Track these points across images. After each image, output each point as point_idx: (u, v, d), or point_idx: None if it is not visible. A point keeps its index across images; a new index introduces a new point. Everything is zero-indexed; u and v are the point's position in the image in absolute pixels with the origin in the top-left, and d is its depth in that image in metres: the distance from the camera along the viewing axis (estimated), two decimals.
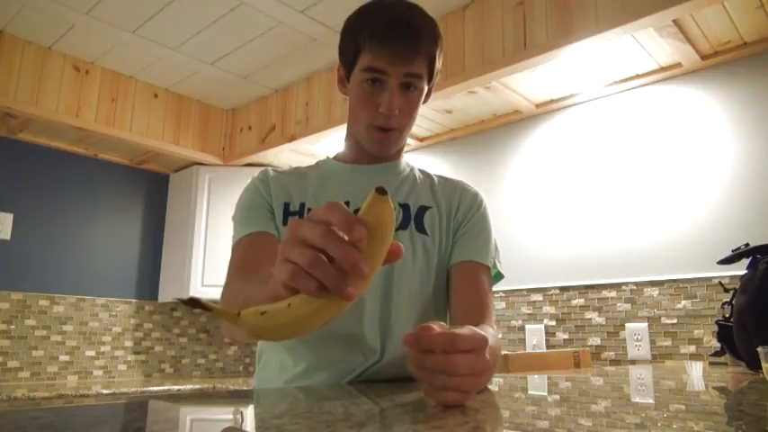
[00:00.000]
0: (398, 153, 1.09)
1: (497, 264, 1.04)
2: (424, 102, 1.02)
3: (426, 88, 0.99)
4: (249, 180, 1.06)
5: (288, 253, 0.52)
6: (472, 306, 0.96)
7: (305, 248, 0.50)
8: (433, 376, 0.55)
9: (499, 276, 1.05)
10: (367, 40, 0.91)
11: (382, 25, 0.90)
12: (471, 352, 0.56)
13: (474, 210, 1.05)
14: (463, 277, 1.00)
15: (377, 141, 0.97)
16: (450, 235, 1.03)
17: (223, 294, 0.91)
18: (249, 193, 1.02)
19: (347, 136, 1.07)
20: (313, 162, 1.13)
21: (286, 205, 1.00)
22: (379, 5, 0.94)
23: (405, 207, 1.02)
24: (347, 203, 0.98)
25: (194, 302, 0.49)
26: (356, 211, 0.53)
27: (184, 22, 2.47)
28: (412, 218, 1.01)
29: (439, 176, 1.11)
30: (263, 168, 1.08)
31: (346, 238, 0.49)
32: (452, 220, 1.04)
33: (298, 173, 1.07)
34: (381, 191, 0.51)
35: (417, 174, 1.10)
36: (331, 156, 1.11)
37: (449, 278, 1.01)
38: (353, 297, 0.49)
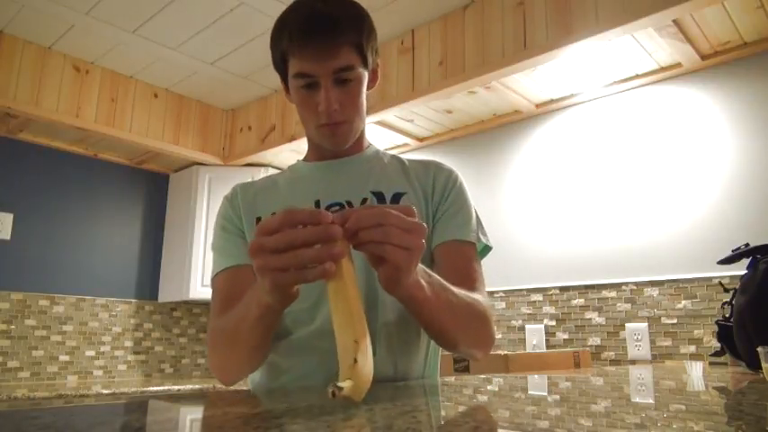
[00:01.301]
0: (360, 144, 1.06)
1: (482, 237, 1.01)
2: (372, 85, 1.01)
3: (366, 73, 0.96)
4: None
5: (271, 263, 0.61)
6: (460, 281, 0.92)
7: (286, 253, 0.60)
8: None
9: (487, 250, 1.03)
10: (288, 46, 0.90)
11: (298, 27, 0.89)
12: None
13: (450, 187, 1.02)
14: (448, 257, 0.97)
15: (328, 137, 0.96)
16: (430, 218, 1.00)
17: (208, 335, 0.94)
18: (221, 219, 1.04)
19: (307, 138, 1.07)
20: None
21: (258, 221, 1.00)
22: (294, 7, 0.92)
23: (378, 195, 0.99)
24: (317, 202, 0.98)
25: (339, 389, 0.54)
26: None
27: (184, 22, 2.47)
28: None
29: (410, 159, 1.09)
30: (234, 185, 1.07)
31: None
32: (430, 203, 1.01)
33: (269, 182, 1.07)
34: None
35: (387, 160, 1.07)
36: (301, 158, 1.11)
37: (434, 260, 0.99)
38: (343, 253, 0.61)
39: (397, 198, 0.99)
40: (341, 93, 0.92)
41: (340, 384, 0.53)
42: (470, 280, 0.94)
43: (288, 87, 0.98)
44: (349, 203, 0.97)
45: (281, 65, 0.95)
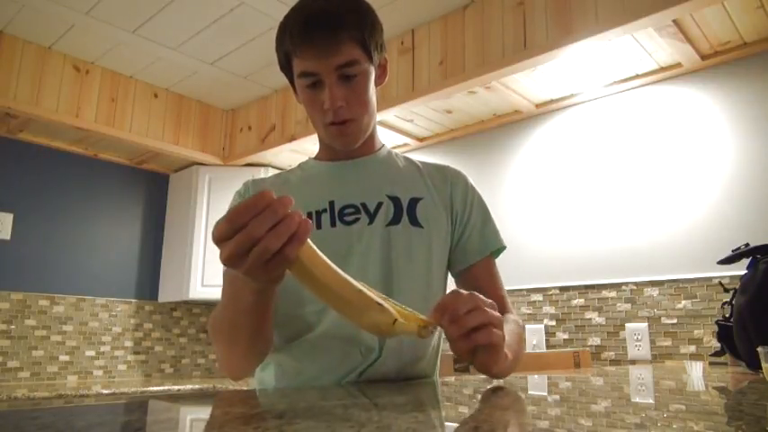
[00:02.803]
0: (372, 144, 1.05)
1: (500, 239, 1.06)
2: (380, 81, 1.00)
3: (372, 68, 0.95)
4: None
5: (228, 247, 0.58)
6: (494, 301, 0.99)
7: (255, 248, 0.57)
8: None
9: (502, 249, 1.05)
10: (291, 46, 0.90)
11: (299, 27, 0.88)
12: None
13: (470, 200, 1.04)
14: (480, 276, 1.01)
15: (336, 136, 0.96)
16: (449, 226, 1.01)
17: (209, 324, 0.93)
18: None
19: (318, 138, 1.06)
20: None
21: None
22: (296, 7, 0.92)
23: (395, 200, 0.98)
24: (331, 203, 0.97)
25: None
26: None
27: (184, 22, 2.47)
28: (404, 211, 0.98)
29: (424, 162, 1.09)
30: (245, 181, 1.07)
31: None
32: (450, 212, 1.02)
33: (280, 179, 1.06)
34: None
35: (401, 162, 1.07)
36: (312, 156, 1.10)
37: (463, 275, 1.02)
38: (308, 223, 0.59)
39: (413, 203, 0.99)
40: (346, 89, 0.91)
41: (398, 322, 0.60)
42: (502, 298, 0.99)
43: (296, 88, 0.97)
44: (364, 206, 0.97)
45: (286, 66, 0.95)
